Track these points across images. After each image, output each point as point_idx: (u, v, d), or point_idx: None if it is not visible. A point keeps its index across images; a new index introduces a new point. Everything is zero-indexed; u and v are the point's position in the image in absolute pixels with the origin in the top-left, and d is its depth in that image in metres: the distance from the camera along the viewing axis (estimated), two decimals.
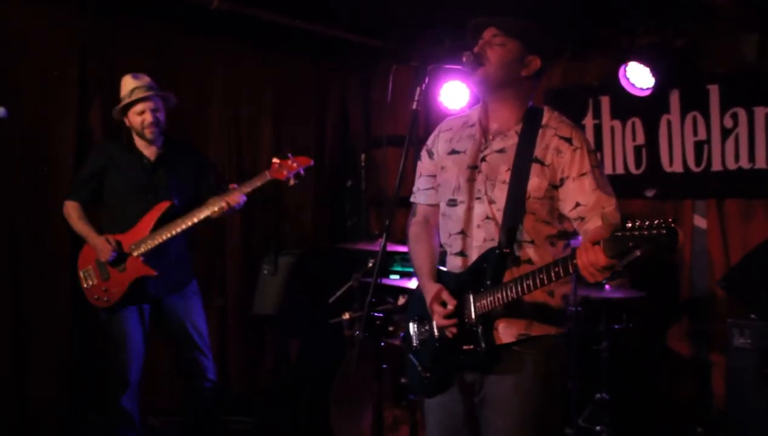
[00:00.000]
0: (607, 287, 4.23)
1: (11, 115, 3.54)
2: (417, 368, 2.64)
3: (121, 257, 3.99)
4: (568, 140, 2.48)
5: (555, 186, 2.48)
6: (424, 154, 2.76)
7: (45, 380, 4.54)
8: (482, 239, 2.52)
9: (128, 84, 4.09)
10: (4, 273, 4.39)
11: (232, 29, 5.25)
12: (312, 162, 4.14)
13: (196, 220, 4.01)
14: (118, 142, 4.21)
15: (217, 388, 4.34)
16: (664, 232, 2.02)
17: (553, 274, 2.28)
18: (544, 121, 2.54)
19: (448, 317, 2.48)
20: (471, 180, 2.56)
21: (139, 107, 4.04)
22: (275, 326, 5.50)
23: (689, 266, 4.85)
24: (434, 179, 2.71)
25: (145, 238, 4.01)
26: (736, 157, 4.63)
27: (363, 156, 5.98)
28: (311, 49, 5.87)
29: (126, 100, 4.05)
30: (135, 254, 4.00)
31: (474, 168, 2.56)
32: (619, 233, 2.09)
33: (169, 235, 4.00)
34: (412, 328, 2.71)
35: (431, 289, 2.56)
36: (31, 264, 4.50)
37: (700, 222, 4.90)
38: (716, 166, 4.71)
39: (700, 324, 4.84)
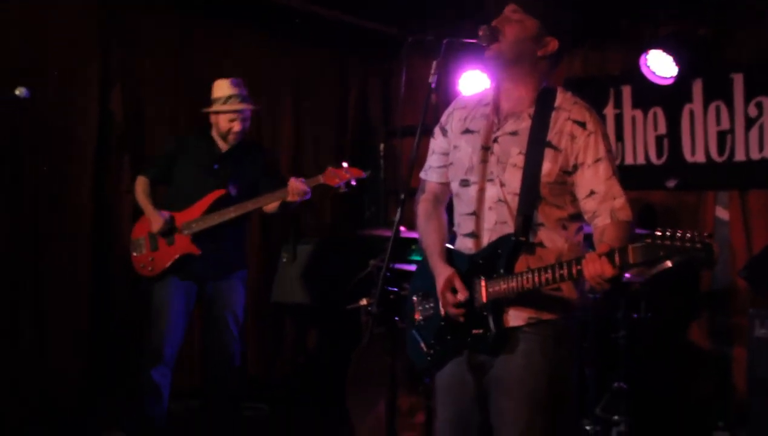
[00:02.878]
0: (626, 274, 4.18)
1: (33, 97, 3.57)
2: (419, 344, 2.60)
3: (171, 229, 4.19)
4: (582, 125, 2.44)
5: (567, 172, 2.44)
6: (437, 131, 2.73)
7: (65, 353, 4.62)
8: (494, 221, 2.48)
9: (225, 89, 4.28)
10: (25, 250, 4.47)
11: (251, 16, 5.27)
12: (364, 175, 4.29)
13: (245, 210, 4.20)
14: (199, 132, 4.41)
15: (240, 373, 4.42)
16: (699, 246, 1.96)
17: (558, 275, 2.27)
18: (557, 103, 2.49)
19: (458, 305, 2.45)
20: (484, 161, 2.52)
21: (231, 115, 4.25)
22: (294, 314, 5.52)
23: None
24: (446, 157, 2.67)
25: (196, 219, 4.20)
26: (761, 147, 4.58)
27: (381, 146, 5.98)
28: (331, 39, 5.88)
29: (222, 108, 4.25)
30: (185, 232, 4.19)
31: (487, 149, 2.53)
32: (650, 241, 2.03)
33: (219, 220, 4.18)
34: (416, 303, 2.66)
35: (443, 271, 2.52)
36: (51, 238, 4.58)
37: (722, 213, 4.85)
38: (739, 156, 4.65)
39: (721, 315, 4.79)
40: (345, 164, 4.25)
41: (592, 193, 2.41)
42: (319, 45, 5.91)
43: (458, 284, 2.45)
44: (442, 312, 2.53)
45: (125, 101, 4.86)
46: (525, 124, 2.50)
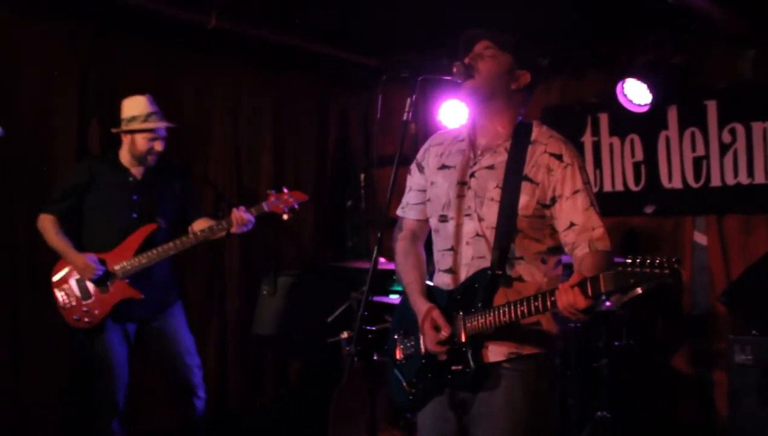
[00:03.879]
0: (607, 302, 4.20)
1: (9, 133, 3.53)
2: (401, 383, 2.60)
3: (105, 276, 3.90)
4: (559, 157, 2.46)
5: (545, 205, 2.45)
6: (414, 168, 2.74)
7: (42, 396, 4.51)
8: (471, 256, 2.49)
9: (143, 106, 4.03)
10: (2, 291, 4.38)
11: (231, 48, 5.28)
12: (307, 197, 4.17)
13: (186, 246, 3.99)
14: (104, 158, 4.15)
15: (205, 406, 4.22)
16: (668, 272, 1.99)
17: (533, 308, 2.27)
18: (533, 136, 2.51)
19: (441, 342, 2.44)
20: (460, 196, 2.53)
21: (151, 134, 4.02)
22: (275, 346, 5.48)
23: (690, 282, 4.82)
24: (424, 194, 2.68)
25: (129, 259, 3.94)
26: (735, 173, 4.63)
27: (362, 176, 5.98)
28: (312, 69, 5.90)
29: (141, 125, 4.00)
30: (120, 275, 3.93)
31: (463, 184, 2.54)
32: (620, 268, 2.06)
33: (158, 258, 3.94)
34: (397, 341, 2.66)
35: (423, 308, 2.52)
36: (29, 282, 4.46)
37: (700, 238, 4.89)
38: (715, 181, 4.70)
39: (702, 341, 4.81)
40: (286, 189, 4.11)
41: (571, 225, 2.42)
42: (299, 75, 5.92)
43: (440, 320, 2.45)
44: (423, 350, 2.52)
45: (103, 135, 4.82)
46: (501, 158, 2.51)
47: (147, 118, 4.01)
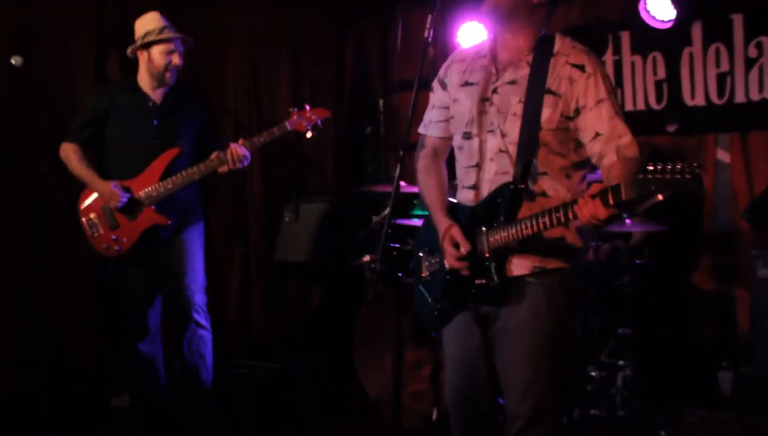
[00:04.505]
0: (627, 221, 4.19)
1: (30, 65, 3.51)
2: (427, 300, 2.63)
3: (131, 203, 3.86)
4: (581, 67, 2.43)
5: (569, 117, 2.42)
6: (436, 85, 2.71)
7: (73, 321, 4.68)
8: (494, 172, 2.48)
9: (156, 21, 3.91)
10: (32, 224, 4.46)
11: None
12: (329, 114, 4.08)
13: (210, 169, 3.91)
14: (122, 85, 4.08)
15: (205, 341, 4.04)
16: (689, 177, 2.00)
17: (555, 219, 2.27)
18: (556, 48, 2.48)
19: (461, 258, 2.46)
20: (483, 112, 2.51)
21: (167, 47, 3.90)
22: (298, 272, 5.56)
23: (712, 200, 4.80)
24: (447, 111, 2.66)
25: (155, 185, 3.90)
26: (761, 88, 4.54)
27: (381, 102, 5.94)
28: None
29: (156, 37, 3.88)
30: (147, 202, 3.89)
31: (485, 100, 2.52)
32: (641, 176, 2.05)
33: (183, 183, 3.88)
34: (422, 258, 2.68)
35: (444, 224, 2.54)
36: (58, 207, 4.52)
37: (723, 156, 4.84)
38: (739, 97, 4.62)
39: (724, 258, 4.80)
40: (307, 106, 4.02)
41: (597, 135, 2.40)
42: (315, 1, 5.84)
43: (459, 236, 2.47)
44: (447, 266, 2.55)
45: (122, 66, 4.80)
46: (524, 73, 2.48)
47: (161, 31, 3.90)
